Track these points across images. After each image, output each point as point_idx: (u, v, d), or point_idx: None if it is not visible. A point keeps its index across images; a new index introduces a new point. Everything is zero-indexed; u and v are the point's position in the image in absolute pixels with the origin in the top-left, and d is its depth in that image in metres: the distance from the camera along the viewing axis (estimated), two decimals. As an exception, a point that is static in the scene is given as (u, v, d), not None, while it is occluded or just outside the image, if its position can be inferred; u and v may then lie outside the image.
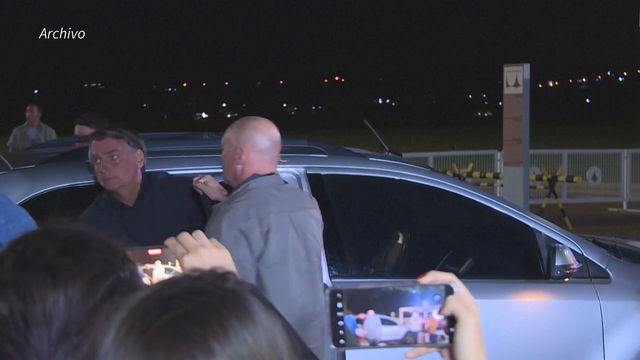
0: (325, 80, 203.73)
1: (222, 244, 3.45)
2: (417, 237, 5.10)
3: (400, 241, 4.99)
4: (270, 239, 3.55)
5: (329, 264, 4.23)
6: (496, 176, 15.01)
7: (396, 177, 4.68)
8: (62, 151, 4.53)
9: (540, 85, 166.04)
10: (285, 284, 3.57)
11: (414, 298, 1.29)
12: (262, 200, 3.57)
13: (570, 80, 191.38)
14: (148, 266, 1.72)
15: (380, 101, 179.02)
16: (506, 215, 4.75)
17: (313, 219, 3.69)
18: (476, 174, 15.58)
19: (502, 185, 12.95)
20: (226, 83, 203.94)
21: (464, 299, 1.30)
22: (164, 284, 1.05)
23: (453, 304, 1.28)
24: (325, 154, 4.61)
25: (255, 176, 3.61)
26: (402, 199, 5.06)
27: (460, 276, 4.48)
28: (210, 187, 4.03)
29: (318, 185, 4.43)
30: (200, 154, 4.56)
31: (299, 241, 3.59)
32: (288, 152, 4.57)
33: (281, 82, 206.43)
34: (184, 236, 1.69)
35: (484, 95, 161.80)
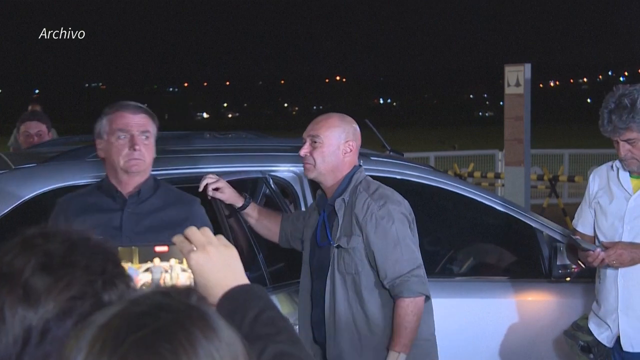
0: (327, 80, 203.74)
1: (402, 232, 3.67)
2: (419, 236, 5.09)
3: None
4: (415, 222, 3.83)
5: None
6: (497, 176, 15.00)
7: (398, 177, 4.67)
8: (63, 150, 4.53)
9: (541, 85, 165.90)
10: None
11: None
12: (388, 187, 3.81)
13: (572, 80, 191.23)
14: (166, 265, 1.71)
15: (381, 101, 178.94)
16: (508, 214, 4.75)
17: None
18: (477, 173, 15.57)
19: (503, 185, 12.94)
20: (227, 83, 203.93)
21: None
22: (131, 300, 1.08)
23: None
24: (326, 153, 4.60)
25: (356, 167, 3.82)
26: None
27: (461, 275, 4.44)
28: (226, 193, 4.03)
29: (319, 184, 4.42)
30: (201, 153, 4.55)
31: None
32: (290, 151, 4.57)
33: (282, 81, 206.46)
34: (192, 231, 1.64)
35: (485, 95, 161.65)
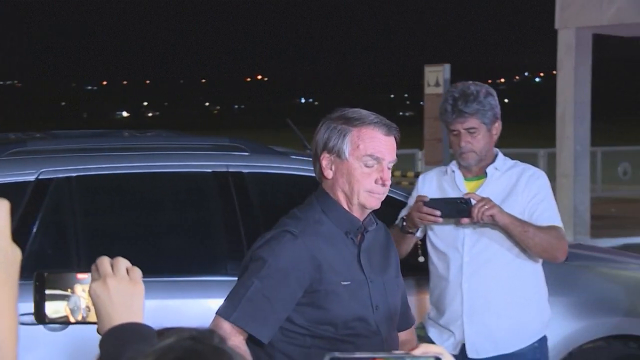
0: (248, 79, 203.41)
1: None
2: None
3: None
4: None
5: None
6: (417, 175, 15.14)
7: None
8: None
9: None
10: None
11: None
12: None
13: (490, 81, 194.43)
14: (71, 291, 1.69)
15: (302, 100, 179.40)
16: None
17: None
18: (397, 172, 15.70)
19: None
20: (147, 82, 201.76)
21: None
22: (162, 347, 1.18)
23: None
24: (247, 151, 4.59)
25: None
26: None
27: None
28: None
29: (240, 183, 4.41)
30: (119, 151, 4.50)
31: None
32: (209, 150, 4.54)
33: (203, 80, 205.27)
34: (101, 261, 1.64)
35: (406, 95, 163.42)
